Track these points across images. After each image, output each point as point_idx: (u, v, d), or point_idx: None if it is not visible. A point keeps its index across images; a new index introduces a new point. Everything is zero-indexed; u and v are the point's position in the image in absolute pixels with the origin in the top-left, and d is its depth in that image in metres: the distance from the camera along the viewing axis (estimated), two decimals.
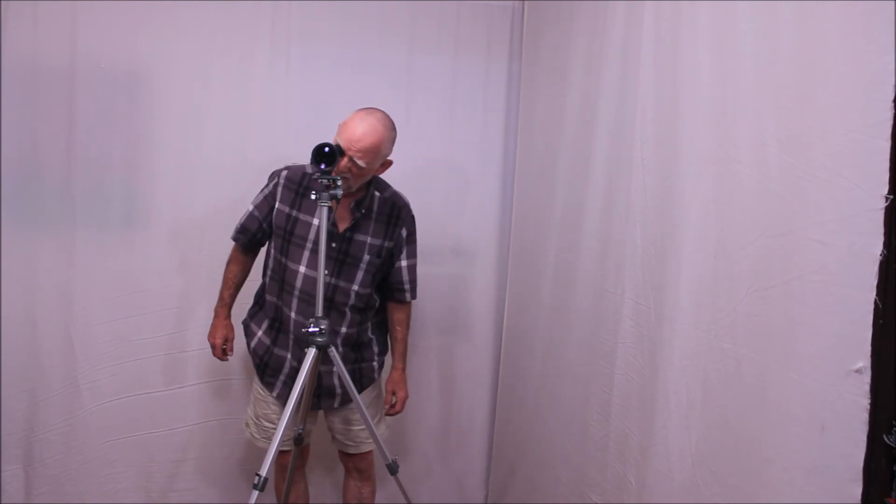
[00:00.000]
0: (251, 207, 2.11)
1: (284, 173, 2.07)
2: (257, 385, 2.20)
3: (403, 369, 2.23)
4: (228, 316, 2.20)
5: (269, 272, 2.11)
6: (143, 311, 2.49)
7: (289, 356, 2.09)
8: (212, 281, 2.53)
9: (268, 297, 2.12)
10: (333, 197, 1.75)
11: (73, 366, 2.43)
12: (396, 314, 2.22)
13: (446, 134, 2.73)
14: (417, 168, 2.63)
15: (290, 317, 2.05)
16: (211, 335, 2.19)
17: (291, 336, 2.07)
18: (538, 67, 2.58)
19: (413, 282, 2.17)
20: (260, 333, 2.14)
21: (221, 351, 2.19)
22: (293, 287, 2.02)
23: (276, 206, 2.04)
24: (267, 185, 2.10)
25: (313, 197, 1.76)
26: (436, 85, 2.69)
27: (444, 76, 2.69)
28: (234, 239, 2.14)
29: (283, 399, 2.12)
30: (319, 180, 1.74)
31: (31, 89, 2.31)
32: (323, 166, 1.74)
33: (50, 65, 2.32)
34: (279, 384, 2.13)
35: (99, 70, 2.36)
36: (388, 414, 2.23)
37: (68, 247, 2.40)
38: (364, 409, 1.93)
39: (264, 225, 2.09)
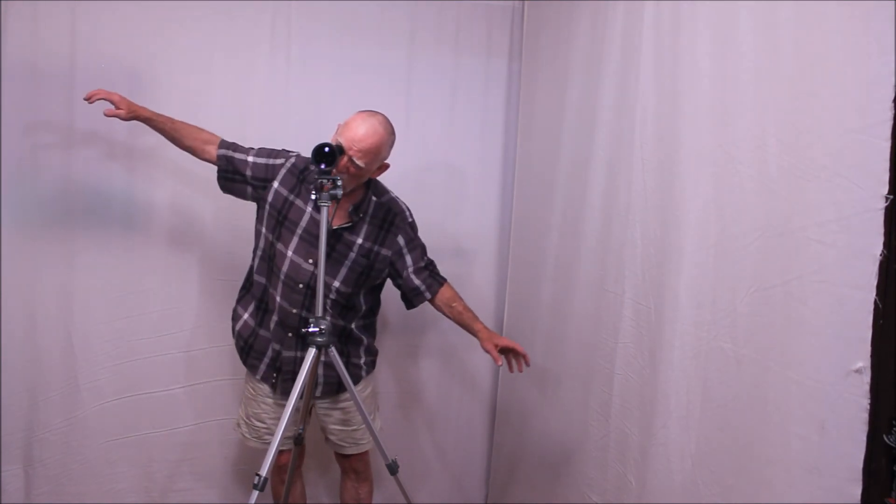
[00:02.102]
0: (250, 159, 2.07)
1: (292, 160, 2.08)
2: (248, 384, 2.20)
3: (487, 328, 2.13)
4: (136, 113, 2.03)
5: (258, 252, 2.11)
6: (143, 311, 2.49)
7: (271, 339, 2.09)
8: (211, 281, 2.54)
9: (256, 277, 2.12)
10: (333, 197, 1.74)
11: (73, 366, 2.43)
12: (440, 300, 2.15)
13: (446, 134, 2.72)
14: (417, 168, 2.63)
15: (275, 299, 2.05)
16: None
17: (275, 317, 2.07)
18: (538, 67, 2.58)
19: (426, 280, 2.12)
20: (246, 316, 2.15)
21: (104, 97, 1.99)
22: (280, 270, 2.03)
23: (276, 186, 2.04)
24: (276, 157, 2.08)
25: (313, 197, 1.76)
26: (436, 85, 2.68)
27: (444, 76, 2.69)
28: (218, 157, 2.07)
29: (268, 382, 2.13)
30: (319, 180, 1.74)
31: (31, 89, 2.30)
32: (323, 166, 1.74)
33: (50, 65, 2.32)
34: (263, 367, 2.13)
35: (99, 70, 2.36)
36: (521, 369, 2.08)
37: (68, 247, 2.39)
38: (361, 403, 1.93)
39: (245, 178, 2.06)
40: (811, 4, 1.20)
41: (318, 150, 1.75)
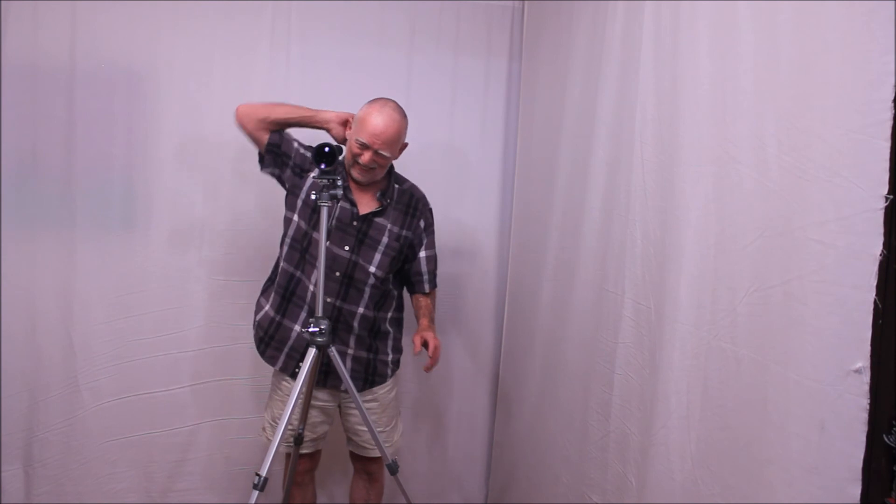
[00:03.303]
0: (295, 145, 2.09)
1: None
2: (274, 384, 2.18)
3: (430, 324, 2.12)
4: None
5: (287, 240, 2.10)
6: (143, 311, 2.49)
7: (296, 327, 2.08)
8: (211, 281, 2.54)
9: (283, 264, 2.10)
10: (333, 197, 1.76)
11: (73, 366, 2.44)
12: (419, 301, 2.20)
13: (446, 133, 2.73)
14: (416, 167, 2.63)
15: (308, 288, 2.06)
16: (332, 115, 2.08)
17: (307, 307, 2.07)
18: (538, 67, 2.58)
19: (431, 272, 2.20)
20: (267, 307, 2.13)
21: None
22: (315, 258, 2.04)
23: (313, 177, 2.07)
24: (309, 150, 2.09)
25: (313, 197, 1.77)
26: (436, 85, 2.69)
27: (444, 76, 2.69)
28: (271, 132, 2.07)
29: (287, 371, 2.11)
30: (319, 180, 1.75)
31: (31, 89, 2.31)
32: (323, 166, 1.75)
33: (50, 65, 2.32)
34: (283, 357, 2.11)
35: (99, 70, 2.36)
36: (426, 369, 2.05)
37: (68, 247, 2.40)
38: (361, 404, 1.93)
39: (290, 161, 2.07)
40: (811, 4, 1.20)
41: (319, 150, 1.77)
